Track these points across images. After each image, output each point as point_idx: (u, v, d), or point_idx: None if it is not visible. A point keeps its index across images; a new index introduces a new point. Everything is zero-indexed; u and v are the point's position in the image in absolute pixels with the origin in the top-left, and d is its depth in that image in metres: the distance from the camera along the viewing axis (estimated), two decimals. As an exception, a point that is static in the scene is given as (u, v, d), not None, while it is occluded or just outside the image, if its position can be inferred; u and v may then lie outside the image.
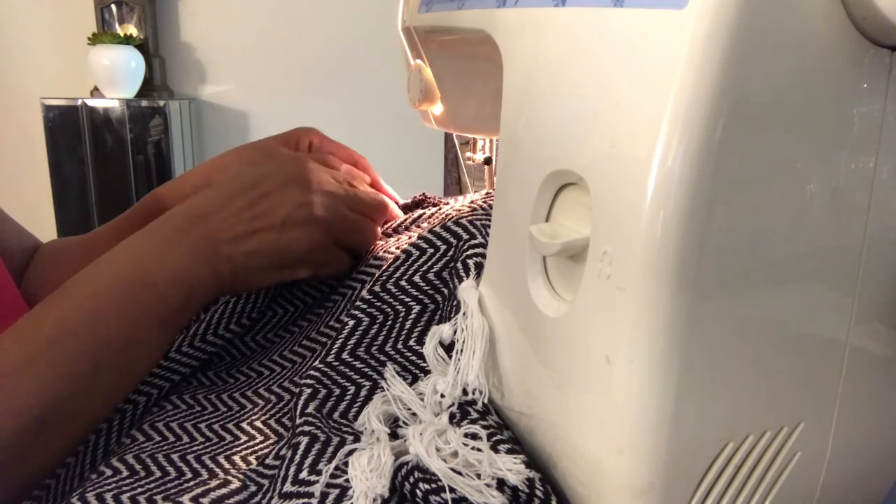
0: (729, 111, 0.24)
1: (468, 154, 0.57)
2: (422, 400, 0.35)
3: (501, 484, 0.29)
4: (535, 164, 0.31)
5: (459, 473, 0.30)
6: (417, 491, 0.30)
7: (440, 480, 0.30)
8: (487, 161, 0.55)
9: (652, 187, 0.24)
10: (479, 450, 0.30)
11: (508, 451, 0.30)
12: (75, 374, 0.36)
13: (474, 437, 0.31)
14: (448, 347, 0.37)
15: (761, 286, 0.27)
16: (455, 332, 0.36)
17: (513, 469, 0.29)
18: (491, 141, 0.55)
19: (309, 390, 0.38)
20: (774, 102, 0.25)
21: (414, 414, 0.35)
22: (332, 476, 0.32)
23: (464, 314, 0.36)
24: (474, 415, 0.33)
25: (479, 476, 0.29)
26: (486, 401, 0.34)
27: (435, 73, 0.50)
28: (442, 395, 0.35)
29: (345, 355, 0.40)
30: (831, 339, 0.30)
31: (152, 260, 0.41)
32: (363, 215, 0.48)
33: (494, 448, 0.30)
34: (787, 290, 0.28)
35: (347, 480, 0.31)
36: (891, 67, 0.27)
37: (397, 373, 0.38)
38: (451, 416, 0.33)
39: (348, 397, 0.39)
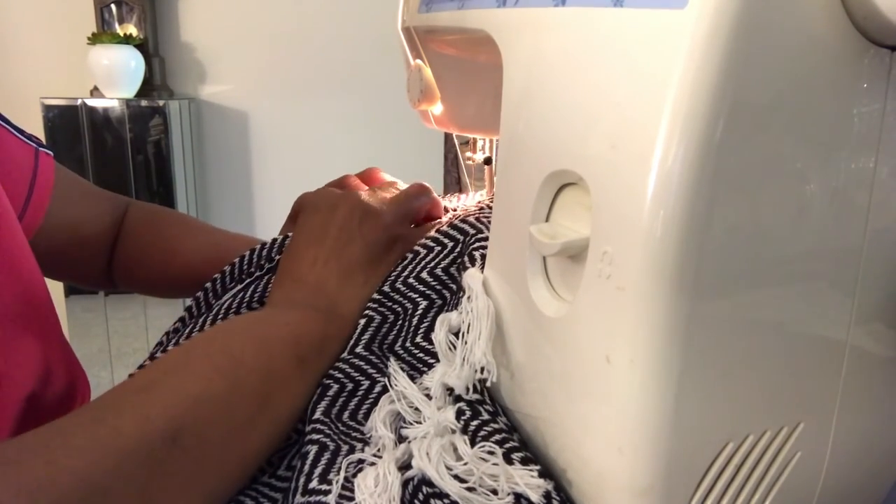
0: (729, 111, 0.24)
1: (468, 154, 0.57)
2: (427, 396, 0.35)
3: (518, 498, 0.29)
4: (535, 164, 0.31)
5: (473, 489, 0.29)
6: None
7: (450, 495, 0.30)
8: (487, 161, 0.55)
9: (652, 187, 0.24)
10: (492, 460, 0.30)
11: (522, 461, 0.30)
12: (209, 393, 0.34)
13: (484, 446, 0.31)
14: (458, 336, 0.36)
15: (761, 286, 0.27)
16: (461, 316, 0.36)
17: (530, 483, 0.28)
18: (491, 141, 0.55)
19: (319, 389, 0.38)
20: (774, 102, 0.25)
21: (417, 409, 0.35)
22: (345, 488, 0.32)
23: (468, 298, 0.36)
24: (485, 415, 0.33)
25: (494, 492, 0.29)
26: (494, 379, 0.33)
27: (435, 73, 0.50)
28: (450, 390, 0.34)
29: (359, 349, 0.40)
30: (831, 339, 0.30)
31: (277, 312, 0.41)
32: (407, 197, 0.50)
33: (508, 458, 0.30)
34: (787, 290, 0.28)
35: None
36: (891, 67, 0.27)
37: (404, 371, 0.38)
38: (459, 413, 0.33)
39: (360, 393, 0.39)
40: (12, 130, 0.50)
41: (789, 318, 0.28)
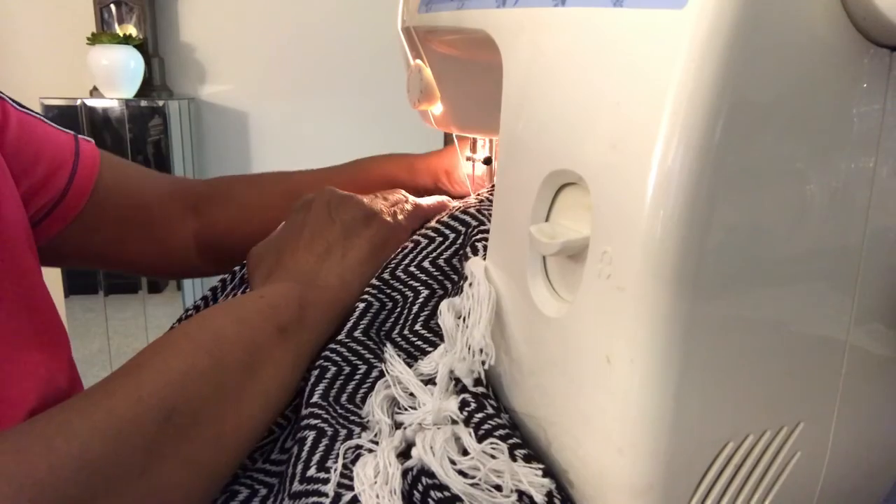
0: (728, 111, 0.24)
1: (468, 154, 0.57)
2: (421, 381, 0.35)
3: (520, 495, 0.29)
4: (535, 164, 0.31)
5: (477, 485, 0.29)
6: (430, 500, 0.30)
7: (450, 487, 0.29)
8: (487, 161, 0.55)
9: (652, 187, 0.24)
10: (498, 456, 0.30)
11: (525, 458, 0.30)
12: (196, 369, 0.34)
13: (486, 440, 0.31)
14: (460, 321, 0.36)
15: (761, 286, 0.27)
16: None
17: (534, 482, 0.28)
18: (491, 141, 0.55)
19: (317, 371, 0.38)
20: (774, 102, 0.25)
21: (412, 394, 0.35)
22: (343, 475, 0.32)
23: (470, 284, 0.36)
24: (490, 409, 0.33)
25: (497, 488, 0.29)
26: (492, 362, 0.33)
27: (435, 73, 0.50)
28: (456, 381, 0.34)
29: (357, 333, 0.40)
30: (831, 339, 0.30)
31: (254, 291, 0.42)
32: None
33: (512, 455, 0.30)
34: (787, 290, 0.28)
35: None
36: (891, 67, 0.27)
37: (402, 359, 0.38)
38: (463, 404, 0.33)
39: (358, 376, 0.39)
40: (48, 122, 0.52)
41: (789, 318, 0.28)
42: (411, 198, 0.52)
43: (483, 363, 0.33)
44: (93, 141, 0.55)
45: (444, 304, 0.36)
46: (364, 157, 0.63)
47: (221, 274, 0.50)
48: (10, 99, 0.50)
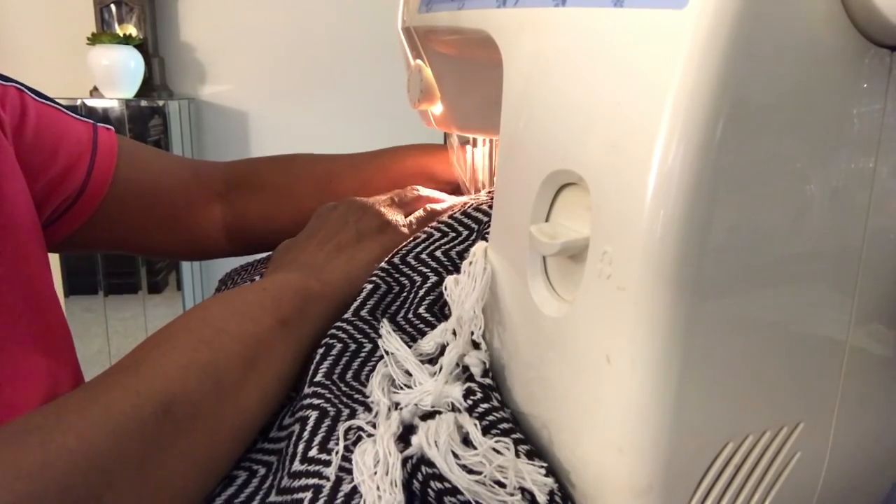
0: (729, 111, 0.24)
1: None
2: (420, 360, 0.35)
3: (521, 492, 0.29)
4: (535, 164, 0.31)
5: (480, 481, 0.29)
6: (430, 490, 0.29)
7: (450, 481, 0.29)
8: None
9: (652, 187, 0.24)
10: (505, 453, 0.30)
11: (528, 454, 0.30)
12: (196, 363, 0.34)
13: (489, 432, 0.31)
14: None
15: (761, 286, 0.27)
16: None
17: (537, 481, 0.28)
18: (491, 141, 0.55)
19: (322, 349, 0.38)
20: (774, 102, 0.25)
21: (409, 373, 0.35)
22: (345, 459, 0.31)
23: (469, 263, 0.36)
24: (495, 402, 0.32)
25: (498, 483, 0.29)
26: (481, 334, 0.34)
27: (435, 73, 0.50)
28: (466, 368, 0.34)
29: (363, 313, 0.40)
30: (831, 340, 0.30)
31: (257, 283, 0.42)
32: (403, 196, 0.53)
33: (516, 451, 0.30)
34: (787, 290, 0.28)
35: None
36: (891, 67, 0.27)
37: (406, 343, 0.37)
38: (469, 392, 0.33)
39: (363, 354, 0.39)
40: (67, 112, 0.53)
41: (789, 318, 0.28)
42: (429, 193, 0.53)
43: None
44: (112, 129, 0.55)
45: (449, 279, 0.36)
46: (399, 146, 0.63)
47: (253, 254, 0.51)
48: (29, 89, 0.50)
